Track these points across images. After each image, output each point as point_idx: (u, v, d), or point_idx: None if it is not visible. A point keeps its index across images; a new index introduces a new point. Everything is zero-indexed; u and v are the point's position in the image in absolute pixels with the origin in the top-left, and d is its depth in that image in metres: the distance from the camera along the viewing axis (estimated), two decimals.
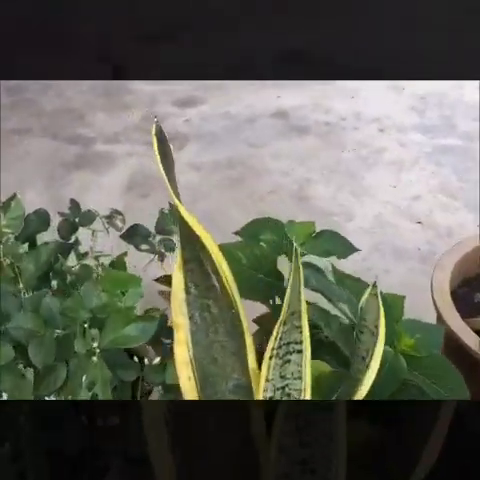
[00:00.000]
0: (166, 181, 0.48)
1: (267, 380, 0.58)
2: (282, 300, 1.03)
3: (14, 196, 0.92)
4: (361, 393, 0.59)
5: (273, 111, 2.30)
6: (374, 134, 2.13)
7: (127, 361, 0.76)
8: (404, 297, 0.91)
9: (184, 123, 2.29)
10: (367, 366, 0.58)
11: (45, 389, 0.69)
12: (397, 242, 1.69)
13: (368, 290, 0.58)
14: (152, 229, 1.07)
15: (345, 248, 1.03)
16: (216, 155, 2.09)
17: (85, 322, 0.69)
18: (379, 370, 0.78)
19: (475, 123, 2.12)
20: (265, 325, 0.98)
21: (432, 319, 1.15)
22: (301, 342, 0.56)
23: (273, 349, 0.56)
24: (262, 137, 2.17)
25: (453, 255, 1.21)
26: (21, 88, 2.52)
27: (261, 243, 1.03)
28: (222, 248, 0.99)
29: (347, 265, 0.93)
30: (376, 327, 0.58)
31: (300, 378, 0.57)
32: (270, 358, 0.57)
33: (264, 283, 1.00)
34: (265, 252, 1.01)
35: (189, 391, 0.62)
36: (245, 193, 1.91)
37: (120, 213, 1.13)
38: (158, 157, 0.48)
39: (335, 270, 0.88)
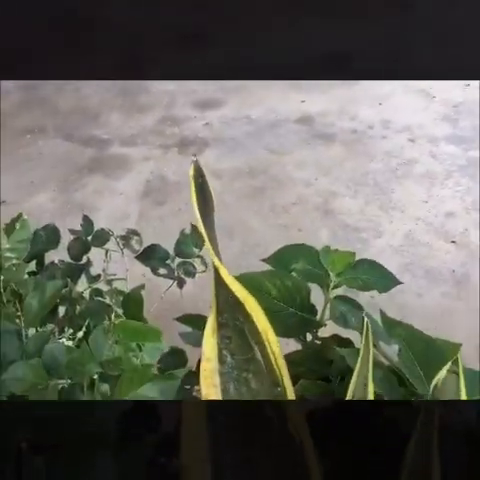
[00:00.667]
0: (205, 236, 0.38)
1: None
2: (314, 337, 0.92)
3: (20, 216, 0.82)
4: None
5: (297, 116, 2.20)
6: (404, 144, 2.02)
7: None
8: (460, 345, 0.80)
9: (204, 127, 2.19)
10: None
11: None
12: (429, 262, 1.58)
13: (446, 366, 0.47)
14: (170, 245, 0.97)
15: (387, 280, 0.92)
16: (237, 162, 1.98)
17: (95, 375, 0.60)
18: None
19: None
20: (295, 364, 0.88)
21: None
22: None
23: None
24: (285, 144, 2.06)
25: None
26: (35, 86, 2.43)
27: (293, 273, 0.93)
28: (248, 277, 0.88)
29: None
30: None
31: None
32: None
33: (296, 318, 0.90)
34: (298, 284, 0.91)
35: None
36: (267, 204, 1.81)
37: (137, 233, 1.03)
38: (196, 205, 0.38)
39: (383, 315, 0.77)
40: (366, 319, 0.46)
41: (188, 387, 0.61)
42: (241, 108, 2.26)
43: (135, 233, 1.04)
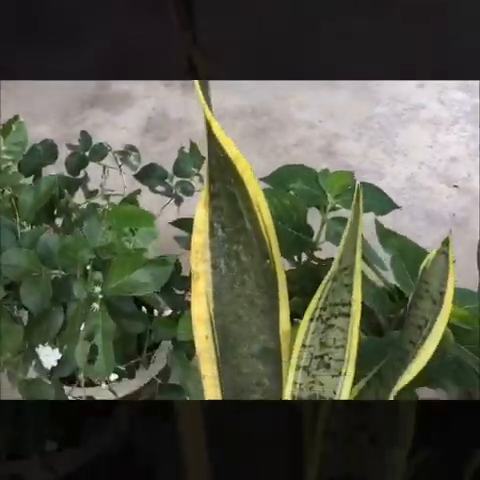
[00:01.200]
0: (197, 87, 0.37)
1: (304, 346, 0.47)
2: (310, 257, 0.92)
3: (16, 118, 0.81)
4: (412, 371, 0.49)
5: None
6: (412, 89, 1.98)
7: (134, 311, 0.66)
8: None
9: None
10: (424, 338, 0.47)
11: (38, 336, 0.60)
12: (430, 205, 1.57)
13: (434, 250, 0.47)
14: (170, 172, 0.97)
15: (385, 204, 0.92)
16: (240, 102, 1.95)
17: (87, 263, 0.59)
18: None
19: None
20: (289, 282, 0.89)
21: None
22: (349, 304, 0.45)
23: (316, 310, 0.46)
24: (288, 86, 2.02)
25: None
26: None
27: (291, 192, 0.92)
28: None
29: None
30: (441, 294, 0.47)
31: (344, 347, 0.47)
32: (311, 320, 0.46)
33: (292, 237, 0.90)
34: (295, 203, 0.90)
35: (205, 351, 0.52)
36: (269, 144, 1.79)
37: (135, 149, 1.03)
38: None
39: (379, 225, 0.77)
40: (358, 183, 0.45)
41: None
42: None
43: (133, 149, 1.03)
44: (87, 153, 0.98)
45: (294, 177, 0.93)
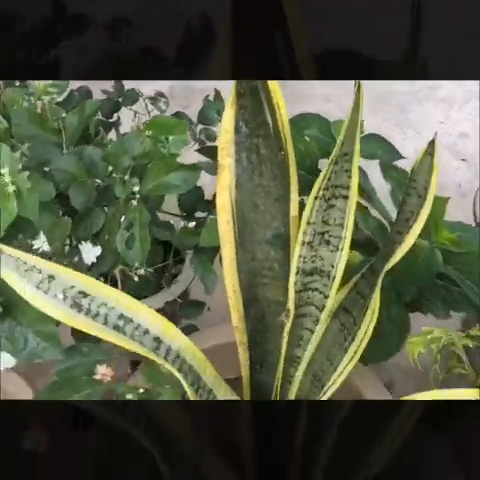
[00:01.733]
0: None
1: (308, 223, 0.57)
2: None
3: None
4: (396, 257, 0.57)
5: None
6: None
7: (163, 220, 0.76)
8: (448, 198, 0.89)
9: None
10: (410, 227, 0.56)
11: (83, 231, 0.70)
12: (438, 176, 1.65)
13: (423, 149, 0.56)
14: None
15: (391, 154, 1.00)
16: None
17: (127, 169, 0.69)
18: (414, 262, 0.77)
19: None
20: None
21: None
22: (348, 187, 0.55)
23: (319, 190, 0.55)
24: None
25: None
26: None
27: (306, 138, 1.01)
28: None
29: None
30: (425, 189, 0.56)
31: (342, 225, 0.56)
32: (315, 198, 0.56)
33: (305, 181, 0.99)
34: (309, 148, 0.99)
35: (226, 235, 0.62)
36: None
37: (164, 96, 1.12)
38: None
39: (382, 161, 0.86)
40: (359, 82, 0.54)
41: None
42: None
43: (162, 95, 1.12)
44: (120, 99, 1.07)
45: (309, 125, 1.02)
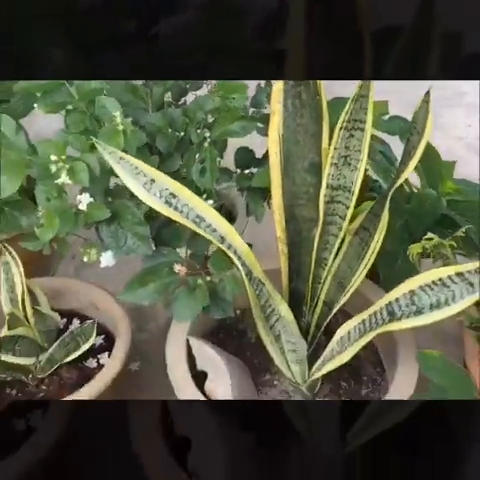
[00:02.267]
0: None
1: (335, 148, 0.78)
2: None
3: None
4: (400, 181, 0.78)
5: None
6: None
7: (225, 167, 0.99)
8: (455, 162, 1.09)
9: None
10: (411, 157, 0.77)
11: (169, 166, 0.93)
12: (461, 170, 1.83)
13: (421, 98, 0.77)
14: None
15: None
16: None
17: (201, 121, 0.93)
18: (422, 207, 0.98)
19: None
20: None
21: None
22: (364, 122, 0.76)
23: (343, 122, 0.77)
24: None
25: None
26: None
27: None
28: None
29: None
30: (423, 128, 0.76)
31: (359, 151, 0.78)
32: (340, 129, 0.77)
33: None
34: None
35: (274, 164, 0.84)
36: None
37: None
38: None
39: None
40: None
41: None
42: None
43: None
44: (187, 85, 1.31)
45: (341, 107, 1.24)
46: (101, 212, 0.87)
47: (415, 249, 0.81)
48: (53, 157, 0.85)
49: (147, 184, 0.78)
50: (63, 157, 0.86)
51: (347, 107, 0.76)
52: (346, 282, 0.88)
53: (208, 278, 0.87)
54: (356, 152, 0.77)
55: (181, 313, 0.88)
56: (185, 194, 0.80)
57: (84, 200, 0.88)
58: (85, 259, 0.92)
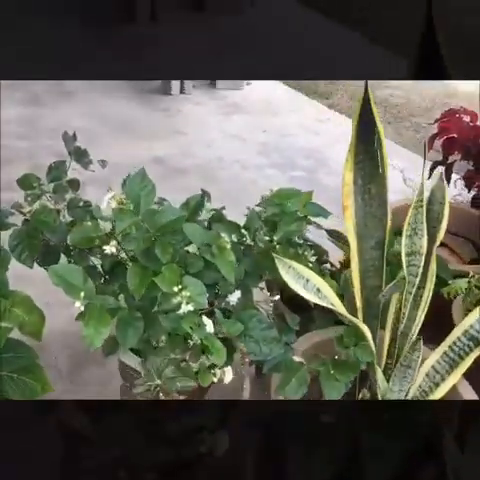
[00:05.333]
0: None
1: (408, 223, 1.02)
2: None
3: None
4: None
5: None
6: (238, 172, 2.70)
7: None
8: None
9: None
10: (440, 221, 1.05)
11: None
12: None
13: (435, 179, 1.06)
14: None
15: None
16: None
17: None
18: None
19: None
20: None
21: None
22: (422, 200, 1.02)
23: (414, 203, 1.01)
24: None
25: None
26: None
27: None
28: None
29: None
30: (443, 198, 1.05)
31: (422, 222, 1.02)
32: (412, 209, 1.01)
33: None
34: None
35: (352, 249, 1.03)
36: None
37: None
38: None
39: None
40: None
41: None
42: None
43: None
44: None
45: None
46: None
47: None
48: None
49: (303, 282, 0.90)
50: None
51: (417, 198, 1.00)
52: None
53: None
54: (420, 223, 1.02)
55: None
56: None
57: None
58: None
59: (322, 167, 2.82)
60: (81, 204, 1.17)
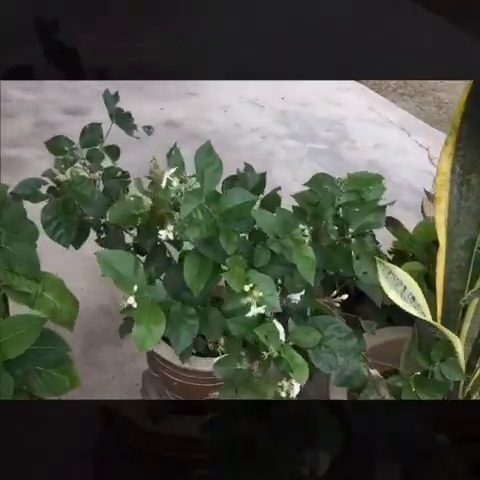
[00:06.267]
0: None
1: None
2: None
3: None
4: None
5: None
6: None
7: None
8: None
9: None
10: None
11: None
12: None
13: None
14: None
15: None
16: None
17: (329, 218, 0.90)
18: None
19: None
20: None
21: None
22: None
23: None
24: None
25: None
26: None
27: None
28: None
29: None
30: None
31: None
32: None
33: None
34: None
35: (441, 247, 0.89)
36: None
37: None
38: None
39: None
40: None
41: None
42: None
43: None
44: None
45: None
46: None
47: None
48: None
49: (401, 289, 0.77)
50: None
51: None
52: None
53: None
54: None
55: None
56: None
57: None
58: None
59: (343, 140, 2.67)
60: (119, 175, 1.01)
